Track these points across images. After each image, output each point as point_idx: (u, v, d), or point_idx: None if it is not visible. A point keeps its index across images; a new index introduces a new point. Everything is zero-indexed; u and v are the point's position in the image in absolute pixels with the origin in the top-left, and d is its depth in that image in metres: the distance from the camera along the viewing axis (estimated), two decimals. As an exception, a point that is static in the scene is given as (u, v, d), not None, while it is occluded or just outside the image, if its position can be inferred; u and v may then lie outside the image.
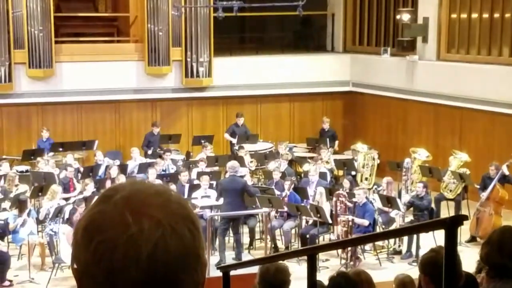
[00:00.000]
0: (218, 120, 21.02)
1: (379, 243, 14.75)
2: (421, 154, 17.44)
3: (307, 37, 24.26)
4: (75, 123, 19.98)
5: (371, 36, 22.25)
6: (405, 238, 14.43)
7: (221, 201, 14.58)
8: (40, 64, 18.86)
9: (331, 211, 14.58)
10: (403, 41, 19.79)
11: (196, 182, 15.89)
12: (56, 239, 13.94)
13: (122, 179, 14.94)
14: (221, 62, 20.61)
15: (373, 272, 9.05)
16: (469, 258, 6.54)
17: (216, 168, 17.29)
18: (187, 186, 15.52)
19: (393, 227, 14.56)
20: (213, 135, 19.63)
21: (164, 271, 1.44)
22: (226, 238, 14.63)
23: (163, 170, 16.80)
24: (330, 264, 13.99)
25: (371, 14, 22.14)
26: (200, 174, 16.06)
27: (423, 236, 13.63)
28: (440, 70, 19.07)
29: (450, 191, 16.35)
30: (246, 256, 14.25)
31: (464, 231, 14.24)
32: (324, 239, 14.61)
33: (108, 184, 15.31)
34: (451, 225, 2.83)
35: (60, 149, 18.10)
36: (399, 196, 15.24)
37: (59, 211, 14.00)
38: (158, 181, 14.39)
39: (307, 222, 14.81)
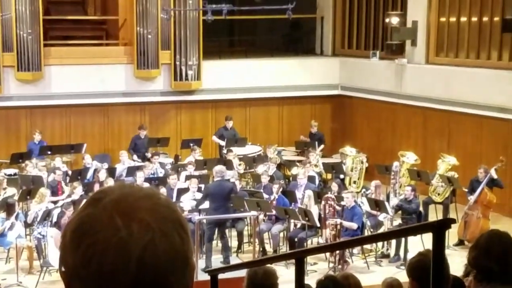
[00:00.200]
0: (207, 124, 21.01)
1: (367, 246, 14.76)
2: (410, 158, 17.47)
3: (296, 40, 24.27)
4: (64, 126, 19.94)
5: (360, 39, 22.29)
6: (393, 242, 14.44)
7: (206, 204, 14.54)
8: (28, 67, 18.82)
9: (320, 214, 14.58)
10: (392, 45, 19.83)
11: (185, 185, 15.87)
12: (44, 243, 13.90)
13: (110, 182, 14.92)
14: (210, 66, 20.61)
15: (361, 275, 9.08)
16: (457, 261, 6.57)
17: (204, 172, 17.28)
18: (175, 189, 15.51)
19: (381, 230, 14.58)
20: (201, 139, 19.62)
21: (153, 275, 1.44)
22: (214, 242, 14.61)
23: (151, 174, 16.79)
24: (318, 268, 13.99)
25: (360, 17, 22.18)
26: (188, 178, 16.06)
27: (411, 239, 13.65)
28: (429, 73, 19.11)
29: (438, 194, 16.38)
30: (234, 260, 14.23)
31: (452, 235, 14.26)
32: (312, 242, 14.61)
33: (96, 187, 15.27)
34: (439, 229, 2.84)
35: (49, 152, 18.06)
36: (388, 200, 15.25)
37: (47, 214, 13.96)
38: (146, 185, 14.41)
39: (295, 225, 14.81)
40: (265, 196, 15.25)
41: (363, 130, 21.26)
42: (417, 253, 4.79)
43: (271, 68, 21.34)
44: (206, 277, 7.24)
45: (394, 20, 19.87)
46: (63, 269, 1.50)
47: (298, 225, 14.68)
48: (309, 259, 13.71)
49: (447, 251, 3.44)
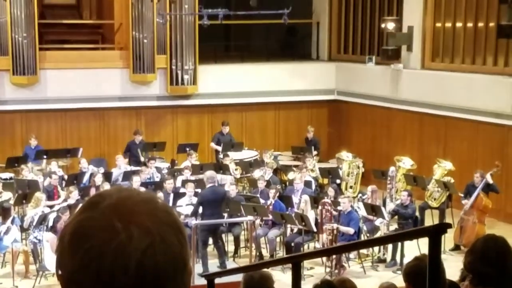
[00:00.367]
0: (203, 128, 21.00)
1: (364, 251, 14.78)
2: (406, 163, 17.49)
3: (292, 45, 24.29)
4: (60, 130, 19.91)
5: (356, 44, 22.31)
6: (390, 246, 14.44)
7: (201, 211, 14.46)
8: (24, 71, 18.79)
9: (316, 219, 14.59)
10: (387, 50, 19.84)
11: (181, 190, 15.86)
12: (40, 247, 13.89)
13: (106, 186, 14.89)
14: (206, 70, 20.60)
15: (358, 280, 9.08)
16: (453, 266, 6.56)
17: (201, 176, 17.23)
18: (172, 194, 15.50)
19: (377, 235, 14.58)
20: (198, 143, 19.60)
21: (152, 279, 1.44)
22: (210, 247, 14.58)
23: (148, 178, 16.78)
24: (314, 272, 13.99)
25: (356, 22, 22.21)
26: (185, 182, 16.05)
27: (407, 244, 13.67)
28: (424, 78, 19.13)
29: (435, 199, 16.39)
30: (230, 264, 14.23)
31: (448, 240, 14.28)
32: (309, 247, 14.61)
33: (92, 191, 15.26)
34: (435, 233, 2.84)
35: (44, 157, 18.03)
36: (384, 205, 15.27)
37: (43, 218, 13.95)
38: (143, 189, 14.37)
39: (292, 230, 14.80)
40: (262, 201, 15.24)
41: (359, 135, 21.27)
42: (413, 258, 4.79)
43: (267, 73, 21.33)
44: (203, 281, 7.24)
45: (390, 26, 19.88)
46: (60, 272, 1.49)
47: (295, 230, 14.67)
48: (306, 263, 13.70)
49: (443, 256, 3.45)
